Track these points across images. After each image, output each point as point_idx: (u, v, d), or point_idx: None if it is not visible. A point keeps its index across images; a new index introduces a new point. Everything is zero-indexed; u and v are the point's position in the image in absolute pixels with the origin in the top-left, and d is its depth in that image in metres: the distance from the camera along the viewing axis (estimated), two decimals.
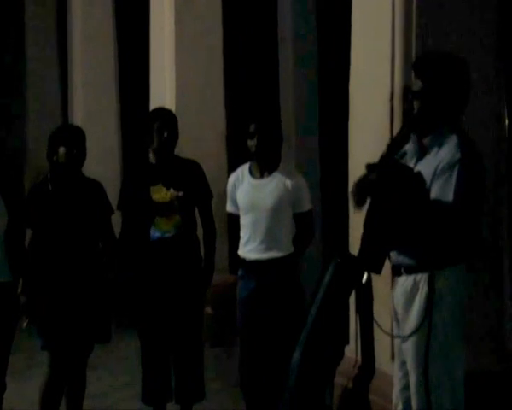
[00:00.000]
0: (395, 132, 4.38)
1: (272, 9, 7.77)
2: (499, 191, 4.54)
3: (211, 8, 7.50)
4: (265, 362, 4.84)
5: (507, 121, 4.64)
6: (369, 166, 3.41)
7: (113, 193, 5.22)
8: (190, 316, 5.07)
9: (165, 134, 4.97)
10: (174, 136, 5.03)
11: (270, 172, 4.85)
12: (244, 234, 4.87)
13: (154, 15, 7.74)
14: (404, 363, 3.62)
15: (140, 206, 5.00)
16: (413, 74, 3.64)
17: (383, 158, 3.47)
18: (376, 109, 4.58)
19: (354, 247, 4.17)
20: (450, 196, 3.35)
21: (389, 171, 3.38)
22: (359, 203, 3.53)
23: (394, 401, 3.71)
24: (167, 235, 4.99)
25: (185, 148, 5.33)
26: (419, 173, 3.41)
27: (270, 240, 4.78)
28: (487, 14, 4.49)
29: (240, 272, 4.93)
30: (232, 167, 5.42)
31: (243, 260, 4.88)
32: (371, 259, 3.55)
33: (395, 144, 3.52)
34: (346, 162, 4.92)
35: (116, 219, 5.15)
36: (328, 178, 7.15)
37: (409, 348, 3.52)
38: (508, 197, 4.66)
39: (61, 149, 4.86)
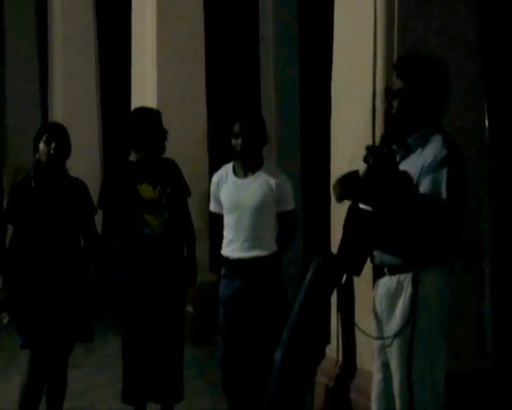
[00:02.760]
0: (377, 132, 4.40)
1: (254, 9, 7.79)
2: (481, 194, 4.56)
3: (193, 8, 7.49)
4: (247, 361, 4.85)
5: (487, 122, 4.66)
6: (370, 149, 3.39)
7: (93, 189, 5.21)
8: (172, 314, 5.06)
9: (149, 133, 4.97)
10: (159, 134, 5.03)
11: (253, 172, 4.86)
12: (228, 233, 4.87)
13: (136, 14, 7.72)
14: (383, 365, 3.62)
15: (129, 203, 4.99)
16: (394, 74, 3.65)
17: (385, 138, 3.46)
18: (358, 109, 4.59)
19: (336, 246, 4.18)
20: (442, 193, 3.35)
21: (386, 158, 3.37)
22: (342, 197, 3.52)
23: (372, 404, 3.72)
24: (155, 231, 5.00)
25: (167, 147, 5.32)
26: (406, 172, 3.43)
27: (253, 239, 4.79)
28: (468, 15, 4.51)
29: (223, 271, 4.93)
30: (214, 167, 5.41)
31: (227, 259, 4.89)
32: (351, 260, 3.55)
33: (386, 141, 3.50)
34: (328, 162, 4.93)
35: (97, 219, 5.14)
36: (309, 178, 7.18)
37: (393, 349, 3.52)
38: (489, 200, 4.69)
39: (41, 146, 4.86)
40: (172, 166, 5.16)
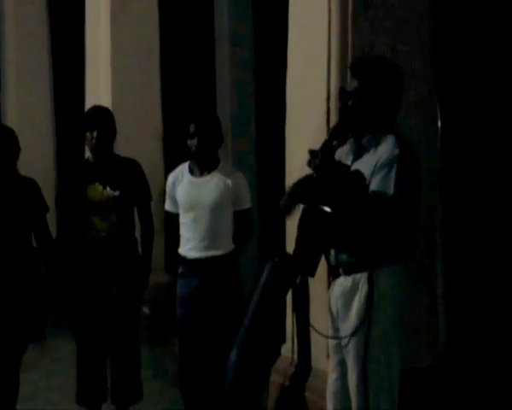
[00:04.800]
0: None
1: (209, 11, 7.79)
2: (433, 194, 4.62)
3: (147, 9, 7.48)
4: (204, 361, 4.85)
5: (440, 123, 4.73)
6: (312, 152, 3.43)
7: (47, 193, 5.17)
8: (126, 316, 5.03)
9: (97, 132, 4.91)
10: (108, 134, 4.98)
11: (209, 171, 4.88)
12: (185, 232, 4.88)
13: (89, 15, 7.68)
14: (339, 364, 3.64)
15: (75, 204, 4.96)
16: (349, 75, 3.70)
17: (325, 145, 3.49)
18: (313, 110, 4.63)
19: (291, 246, 4.21)
20: (390, 190, 3.40)
21: (328, 163, 3.41)
22: (289, 210, 3.57)
23: (327, 403, 3.74)
24: (103, 234, 4.96)
25: (121, 148, 5.31)
26: (358, 171, 3.47)
27: (210, 238, 4.80)
28: (422, 17, 4.58)
29: (180, 271, 4.93)
30: (168, 168, 5.41)
31: (184, 259, 4.89)
32: (305, 262, 3.58)
33: (333, 137, 3.54)
34: (283, 163, 4.96)
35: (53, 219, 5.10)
36: (264, 179, 7.20)
37: (349, 349, 3.54)
38: (441, 199, 4.75)
39: None
40: (134, 168, 5.07)
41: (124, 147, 5.42)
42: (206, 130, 4.81)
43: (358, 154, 3.57)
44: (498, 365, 4.77)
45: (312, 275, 3.63)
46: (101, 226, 4.95)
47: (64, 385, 5.91)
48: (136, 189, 5.05)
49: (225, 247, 4.85)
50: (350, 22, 4.46)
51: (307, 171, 3.57)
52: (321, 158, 3.39)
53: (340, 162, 3.51)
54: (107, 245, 4.96)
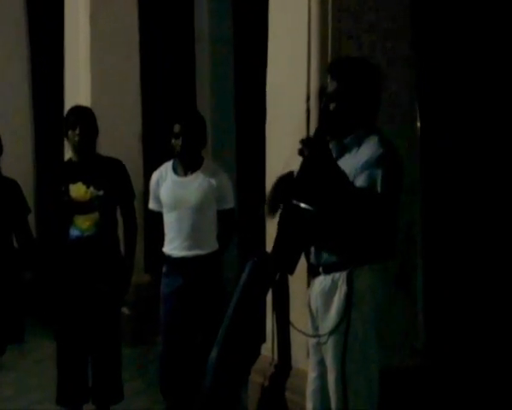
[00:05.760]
0: (311, 134, 4.43)
1: (189, 9, 7.79)
2: (413, 193, 4.63)
3: (127, 7, 7.45)
4: (187, 360, 4.85)
5: (419, 123, 4.74)
6: (304, 141, 3.40)
7: (25, 193, 5.14)
8: (108, 316, 5.02)
9: (79, 130, 4.90)
10: (91, 131, 4.97)
11: (193, 171, 4.88)
12: (169, 231, 4.88)
13: (68, 11, 7.65)
14: (319, 363, 3.65)
15: (58, 204, 4.94)
16: (328, 76, 3.69)
17: (318, 131, 3.47)
18: (293, 111, 4.63)
19: (271, 246, 4.20)
20: (377, 188, 3.38)
21: (321, 152, 3.39)
22: (273, 210, 3.55)
23: (307, 402, 3.74)
24: (86, 234, 4.94)
25: (101, 147, 5.28)
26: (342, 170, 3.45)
27: (194, 237, 4.81)
28: (401, 19, 4.59)
29: (164, 269, 4.93)
30: (148, 168, 5.39)
31: (168, 258, 4.89)
32: (284, 259, 3.58)
33: (321, 131, 3.52)
34: (264, 162, 4.96)
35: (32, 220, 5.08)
36: (244, 179, 7.21)
37: (328, 348, 3.55)
38: (421, 199, 4.77)
39: None
40: (117, 167, 5.06)
41: (103, 146, 5.40)
42: (191, 130, 4.82)
43: (340, 153, 3.57)
44: (478, 363, 4.80)
45: (291, 273, 3.62)
46: (84, 226, 4.94)
47: (44, 386, 5.88)
48: (120, 188, 5.04)
49: (209, 246, 4.86)
50: (330, 21, 4.46)
51: (288, 169, 3.57)
52: (314, 145, 3.35)
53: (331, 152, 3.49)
54: (90, 245, 4.94)
